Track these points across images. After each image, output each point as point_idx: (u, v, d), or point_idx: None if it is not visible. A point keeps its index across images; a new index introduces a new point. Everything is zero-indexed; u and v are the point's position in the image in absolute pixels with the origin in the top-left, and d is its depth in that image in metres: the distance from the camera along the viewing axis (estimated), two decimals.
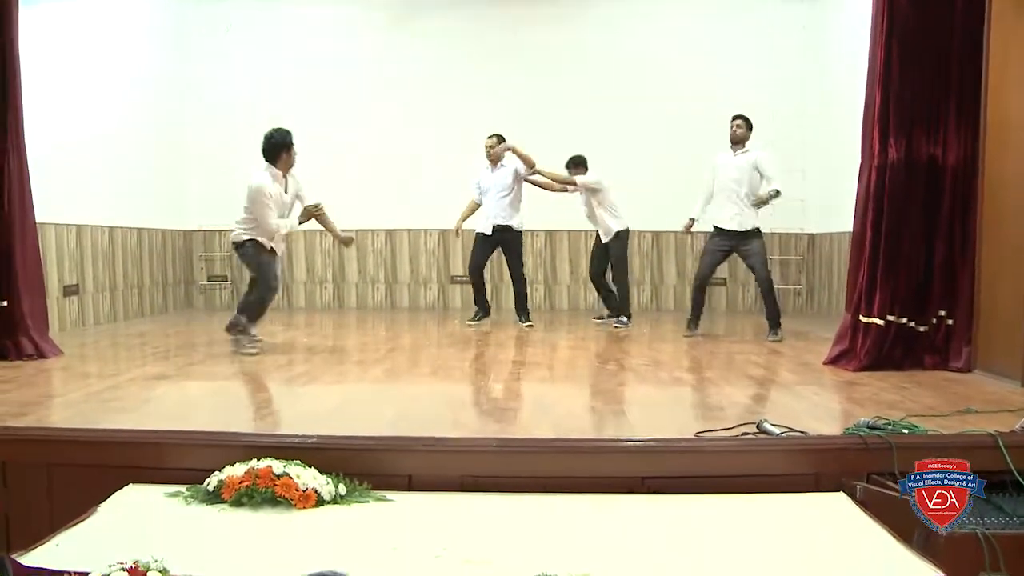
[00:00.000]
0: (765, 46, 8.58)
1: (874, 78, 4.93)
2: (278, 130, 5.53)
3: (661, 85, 8.56)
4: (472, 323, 7.27)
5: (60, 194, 6.23)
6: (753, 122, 6.46)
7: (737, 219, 6.38)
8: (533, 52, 8.73)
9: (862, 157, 5.05)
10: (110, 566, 2.05)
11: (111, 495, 2.90)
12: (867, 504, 2.90)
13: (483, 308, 7.36)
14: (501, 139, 7.14)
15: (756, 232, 6.40)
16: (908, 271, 4.89)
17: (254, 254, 5.54)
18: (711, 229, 6.62)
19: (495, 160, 7.16)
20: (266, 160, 5.51)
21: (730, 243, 6.46)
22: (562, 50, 8.71)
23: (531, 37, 8.74)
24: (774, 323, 6.39)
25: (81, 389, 4.33)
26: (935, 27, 4.79)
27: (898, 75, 4.81)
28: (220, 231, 8.90)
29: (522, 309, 7.28)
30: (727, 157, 6.49)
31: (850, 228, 5.37)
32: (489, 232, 7.14)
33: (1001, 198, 4.62)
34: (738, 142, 6.42)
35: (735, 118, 6.48)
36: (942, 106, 4.84)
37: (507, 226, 7.11)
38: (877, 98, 4.88)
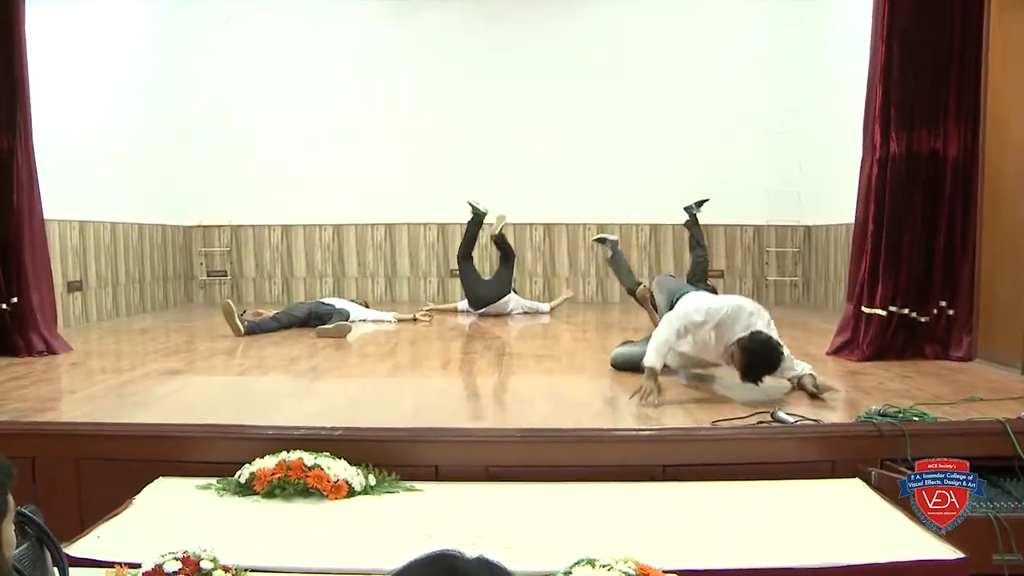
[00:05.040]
0: (762, 40, 8.63)
1: (875, 73, 4.99)
2: None
3: (657, 78, 8.62)
4: None
5: (63, 190, 6.21)
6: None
7: None
8: (531, 45, 8.74)
9: (863, 151, 5.11)
10: (162, 556, 2.09)
11: (143, 488, 2.94)
12: (882, 489, 2.97)
13: None
14: None
15: None
16: (909, 262, 4.96)
17: None
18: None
19: None
20: None
21: None
22: (559, 43, 8.73)
23: (529, 30, 8.75)
24: None
25: (96, 384, 4.36)
26: (935, 22, 4.86)
27: (899, 70, 4.88)
28: (219, 226, 8.91)
29: None
30: None
31: (846, 220, 5.44)
32: None
33: (1001, 190, 4.71)
34: None
35: None
36: (942, 100, 4.90)
37: None
38: (878, 93, 4.94)
